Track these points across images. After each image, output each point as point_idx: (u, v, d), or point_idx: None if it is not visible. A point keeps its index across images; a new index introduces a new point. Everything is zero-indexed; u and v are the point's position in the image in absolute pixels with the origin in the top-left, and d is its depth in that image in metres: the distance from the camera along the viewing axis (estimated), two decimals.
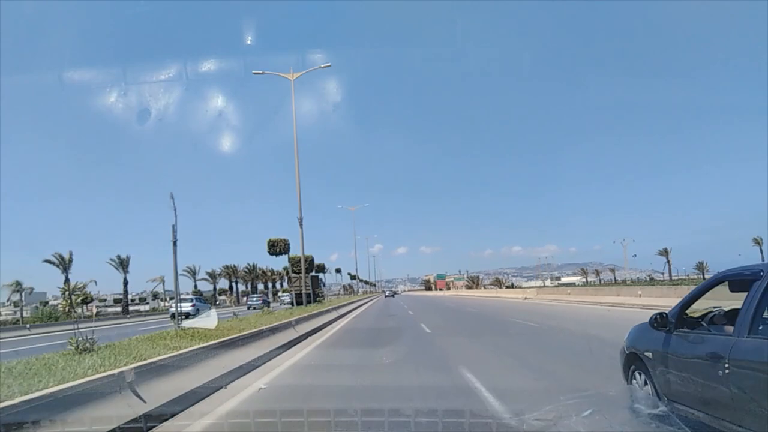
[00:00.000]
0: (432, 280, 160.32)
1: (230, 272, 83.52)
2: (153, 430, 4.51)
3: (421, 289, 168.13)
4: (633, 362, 4.72)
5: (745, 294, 3.48)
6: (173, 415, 4.98)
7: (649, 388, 4.42)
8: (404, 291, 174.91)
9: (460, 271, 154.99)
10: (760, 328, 3.24)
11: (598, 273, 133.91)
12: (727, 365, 3.24)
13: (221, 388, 6.31)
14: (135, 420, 4.45)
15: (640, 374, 4.62)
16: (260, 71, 25.94)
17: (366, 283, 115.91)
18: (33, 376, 4.78)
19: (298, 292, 46.78)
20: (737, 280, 3.85)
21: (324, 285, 46.49)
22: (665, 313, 4.30)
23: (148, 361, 5.66)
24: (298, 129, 25.23)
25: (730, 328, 3.67)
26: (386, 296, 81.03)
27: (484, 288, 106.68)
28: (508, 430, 4.21)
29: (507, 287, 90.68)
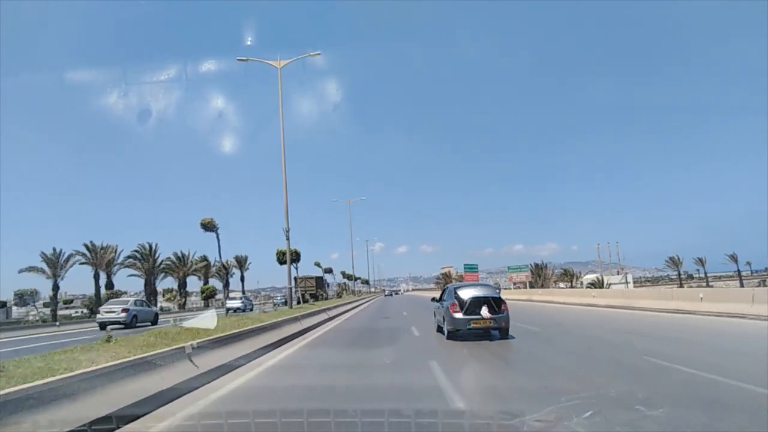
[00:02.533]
0: (454, 273, 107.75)
1: (142, 259, 46.91)
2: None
3: (433, 288, 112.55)
4: (434, 314, 13.81)
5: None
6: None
7: (437, 320, 12.99)
8: (407, 290, 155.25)
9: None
10: (439, 300, 12.85)
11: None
12: (439, 308, 12.61)
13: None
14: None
15: (434, 317, 13.57)
16: (245, 58, 23.95)
17: (348, 278, 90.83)
18: None
19: (303, 292, 47.17)
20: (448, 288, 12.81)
21: (328, 285, 46.58)
22: (435, 297, 13.82)
23: None
24: (299, 129, 25.49)
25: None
26: (385, 295, 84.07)
27: (577, 286, 57.25)
28: (508, 430, 4.18)
29: (592, 286, 48.07)
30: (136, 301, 23.57)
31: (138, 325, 21.28)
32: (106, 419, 4.42)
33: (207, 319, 9.24)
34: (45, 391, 4.22)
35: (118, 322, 20.26)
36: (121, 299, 26.58)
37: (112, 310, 21.44)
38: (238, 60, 24.37)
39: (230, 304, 34.60)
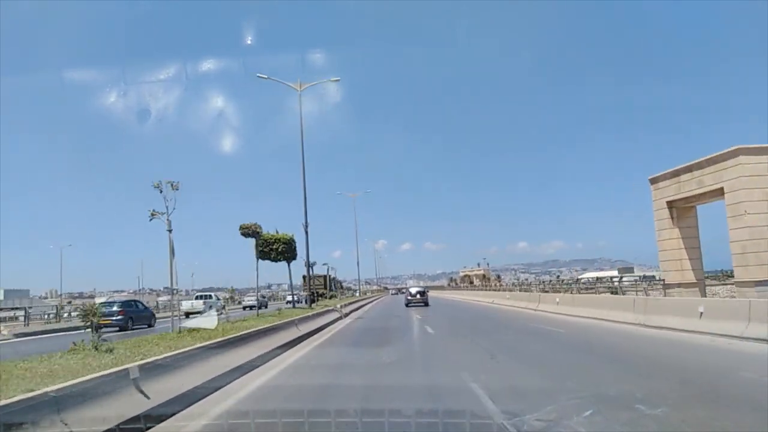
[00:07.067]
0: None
1: None
2: None
3: (444, 287, 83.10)
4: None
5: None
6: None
7: (404, 300, 36.35)
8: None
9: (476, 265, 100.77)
10: (404, 293, 49.03)
11: None
12: (404, 296, 41.45)
13: None
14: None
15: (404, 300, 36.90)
16: (265, 76, 22.78)
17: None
18: None
19: (312, 290, 47.06)
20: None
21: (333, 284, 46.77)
22: (403, 291, 66.08)
23: None
24: (299, 128, 23.84)
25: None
26: (392, 294, 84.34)
27: None
28: (508, 430, 4.17)
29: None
30: (262, 295, 40.68)
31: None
32: None
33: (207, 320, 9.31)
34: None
35: (253, 306, 32.54)
36: (250, 295, 46.65)
37: (249, 299, 41.22)
38: (258, 76, 22.93)
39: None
